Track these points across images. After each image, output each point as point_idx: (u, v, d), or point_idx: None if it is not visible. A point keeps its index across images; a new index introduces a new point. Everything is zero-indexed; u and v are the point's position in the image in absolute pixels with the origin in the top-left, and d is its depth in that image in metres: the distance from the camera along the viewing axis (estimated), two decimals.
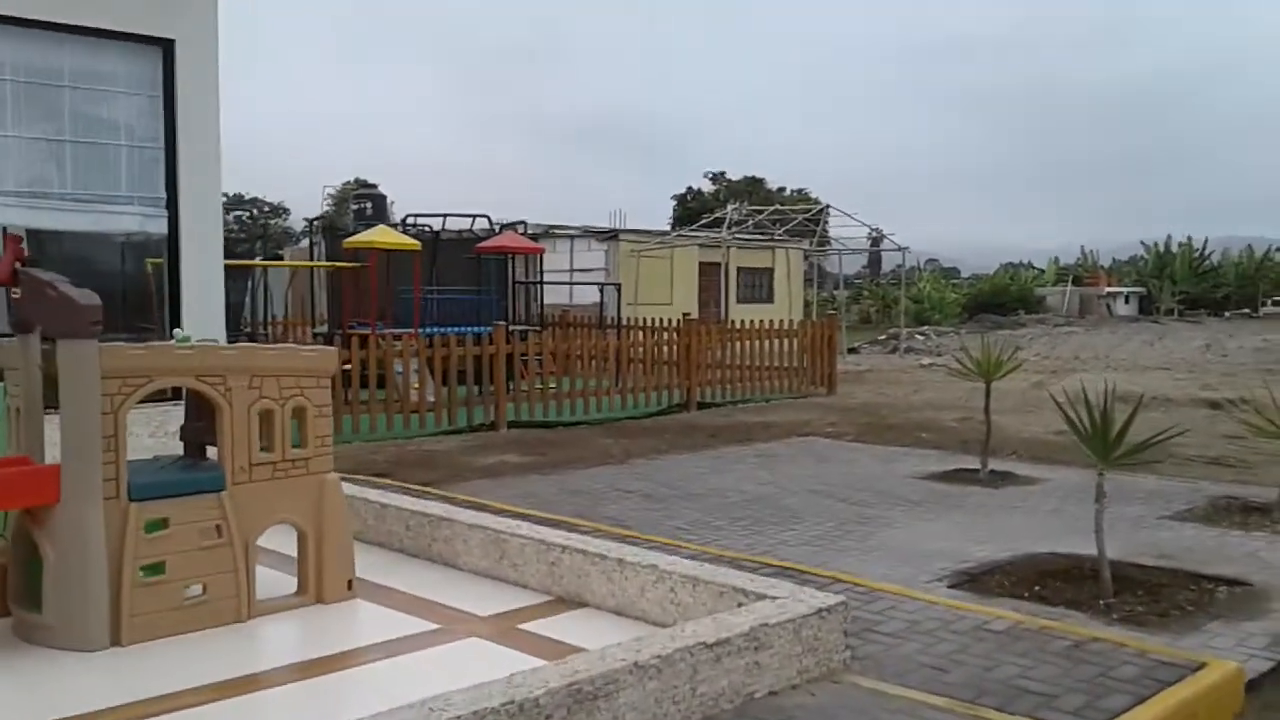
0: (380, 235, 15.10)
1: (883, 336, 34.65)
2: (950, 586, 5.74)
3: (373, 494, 6.23)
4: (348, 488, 6.52)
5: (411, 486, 7.77)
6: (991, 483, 8.89)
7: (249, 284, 20.71)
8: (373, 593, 5.15)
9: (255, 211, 59.42)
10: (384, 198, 45.50)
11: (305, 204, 54.56)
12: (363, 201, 38.05)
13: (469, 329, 14.95)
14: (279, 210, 58.81)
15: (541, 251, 17.75)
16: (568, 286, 24.08)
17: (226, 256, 8.21)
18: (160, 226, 7.37)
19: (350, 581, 5.06)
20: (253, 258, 38.53)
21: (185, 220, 7.35)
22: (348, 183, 50.53)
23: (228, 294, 8.03)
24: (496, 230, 19.62)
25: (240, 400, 4.71)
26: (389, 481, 8.34)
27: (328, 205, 49.57)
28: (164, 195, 7.34)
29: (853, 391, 17.57)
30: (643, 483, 8.98)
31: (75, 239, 7.17)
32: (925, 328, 38.66)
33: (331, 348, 5.10)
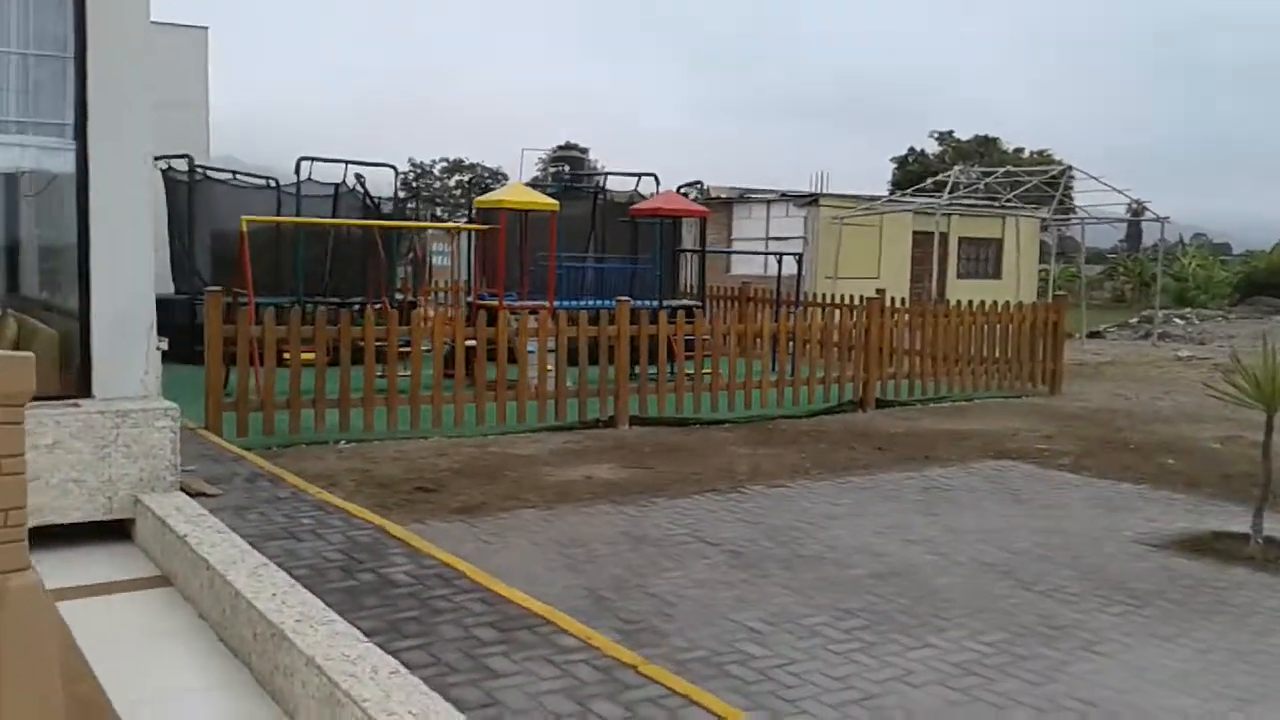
0: (512, 194, 13.07)
1: (1134, 320, 30.08)
2: None
3: (241, 576, 4.04)
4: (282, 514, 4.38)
5: (390, 530, 5.59)
6: (1271, 562, 5.86)
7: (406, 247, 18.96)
8: None
9: (473, 175, 59.68)
10: (583, 160, 44.23)
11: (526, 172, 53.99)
12: (561, 164, 36.77)
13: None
14: (498, 175, 58.72)
15: (706, 215, 15.25)
16: (761, 257, 21.44)
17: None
18: (63, 163, 5.44)
19: None
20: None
21: (98, 156, 5.38)
22: (561, 146, 49.47)
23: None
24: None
25: None
26: (363, 516, 6.20)
27: (537, 169, 48.82)
28: (70, 121, 5.41)
29: (1083, 391, 14.21)
30: (743, 527, 6.47)
31: None
32: (1188, 311, 33.56)
33: (25, 354, 2.90)
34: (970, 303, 13.42)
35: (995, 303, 13.58)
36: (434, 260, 35.15)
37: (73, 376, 5.46)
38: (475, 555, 5.67)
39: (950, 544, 6.17)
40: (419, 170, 61.45)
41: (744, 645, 4.43)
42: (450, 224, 16.33)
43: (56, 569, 4.91)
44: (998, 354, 13.41)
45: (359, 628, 4.13)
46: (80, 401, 5.36)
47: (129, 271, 5.47)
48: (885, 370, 12.37)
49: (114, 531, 5.47)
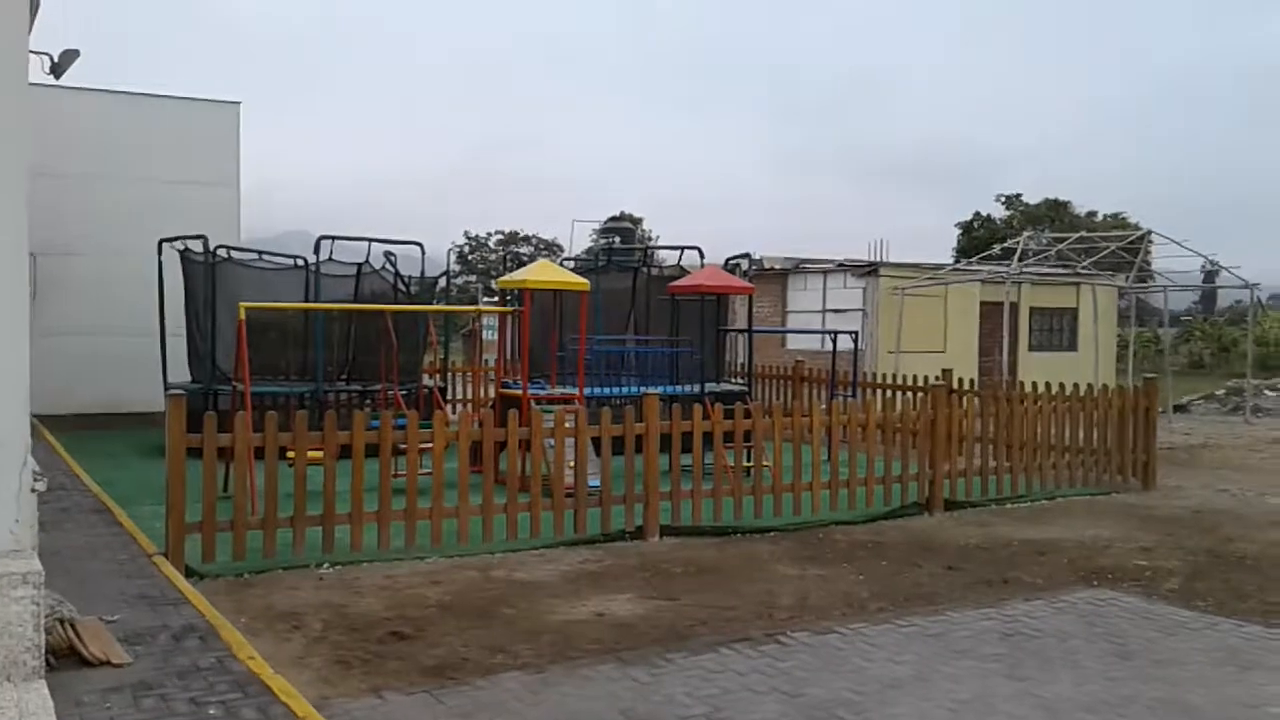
0: (535, 273, 11.97)
1: (1220, 391, 28.09)
2: None
3: None
4: None
5: None
6: None
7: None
8: None
9: (530, 248, 59.14)
10: (632, 230, 43.23)
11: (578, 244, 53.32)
12: (611, 235, 35.65)
13: (661, 389, 11.55)
14: (553, 246, 58.14)
15: (750, 292, 14.00)
16: (818, 332, 20.12)
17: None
18: None
19: None
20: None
21: None
22: (613, 217, 48.57)
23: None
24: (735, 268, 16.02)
25: None
26: (289, 703, 5.00)
27: (592, 239, 47.91)
28: None
29: (1180, 484, 12.59)
30: (777, 703, 5.11)
31: None
32: (1278, 380, 31.39)
33: None
34: (1049, 387, 11.94)
35: (1077, 387, 12.08)
36: (484, 335, 34.20)
37: None
38: None
39: None
40: (474, 244, 61.07)
41: None
42: (458, 308, 15.23)
43: None
44: (1082, 443, 11.90)
45: None
46: None
47: None
48: (954, 465, 10.93)
49: None
